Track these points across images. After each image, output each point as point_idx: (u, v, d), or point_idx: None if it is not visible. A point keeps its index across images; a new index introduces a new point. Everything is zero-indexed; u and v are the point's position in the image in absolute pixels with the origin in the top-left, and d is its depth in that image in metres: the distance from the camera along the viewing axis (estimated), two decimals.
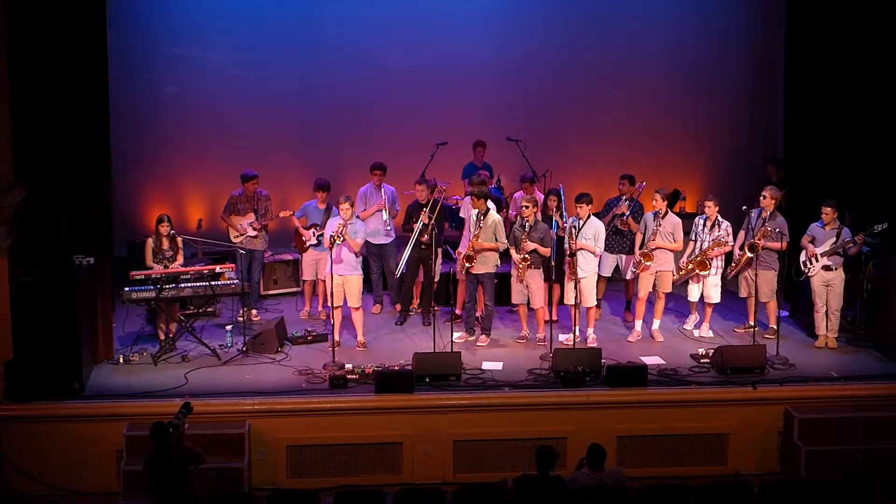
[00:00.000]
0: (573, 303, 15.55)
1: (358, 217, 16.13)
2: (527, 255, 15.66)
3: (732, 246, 16.22)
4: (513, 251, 15.88)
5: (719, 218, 16.13)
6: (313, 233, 16.95)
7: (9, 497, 13.55)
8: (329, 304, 15.92)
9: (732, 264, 16.34)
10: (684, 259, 16.28)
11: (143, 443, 13.50)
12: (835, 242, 15.71)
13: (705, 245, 16.12)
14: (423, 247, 16.56)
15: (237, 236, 16.97)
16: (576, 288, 15.49)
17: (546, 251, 15.67)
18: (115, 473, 13.72)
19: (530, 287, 15.84)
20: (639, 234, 16.38)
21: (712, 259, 16.12)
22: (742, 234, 16.25)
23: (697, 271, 16.15)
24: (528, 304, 16.02)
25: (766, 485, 12.48)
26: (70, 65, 14.47)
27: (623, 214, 16.65)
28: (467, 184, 17.85)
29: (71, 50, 14.47)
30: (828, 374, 15.11)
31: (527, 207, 15.74)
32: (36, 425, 13.98)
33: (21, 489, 13.80)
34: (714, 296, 16.31)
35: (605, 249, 16.18)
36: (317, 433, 14.19)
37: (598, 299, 16.49)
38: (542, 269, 15.76)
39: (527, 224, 15.71)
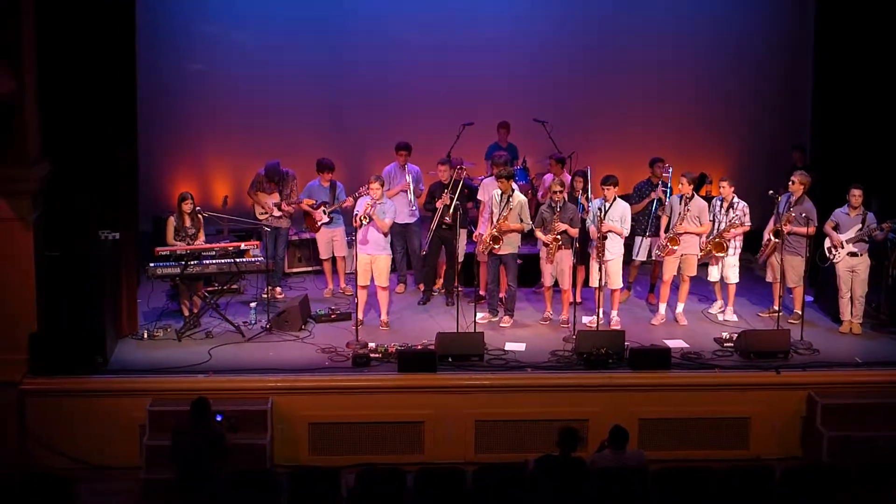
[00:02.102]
0: (598, 285, 15.55)
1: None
2: (558, 236, 15.64)
3: (749, 226, 16.17)
4: (539, 233, 15.87)
5: (735, 199, 16.10)
6: (323, 211, 16.96)
7: (32, 470, 13.59)
8: (350, 281, 15.90)
9: (762, 249, 16.30)
10: (703, 240, 16.23)
11: (166, 418, 13.63)
12: (860, 229, 15.65)
13: (722, 226, 16.09)
14: (444, 227, 16.56)
15: (262, 213, 17.00)
16: (600, 270, 15.48)
17: (575, 232, 15.68)
18: (139, 448, 13.77)
19: (560, 267, 15.82)
20: (664, 217, 16.35)
21: (728, 240, 16.09)
22: (772, 219, 16.20)
23: (714, 253, 16.13)
24: (556, 284, 16.00)
25: (787, 470, 12.45)
26: (98, 40, 14.49)
27: (661, 200, 16.65)
28: (490, 165, 17.84)
29: (99, 25, 14.49)
30: (852, 360, 15.07)
31: (557, 192, 15.71)
32: (59, 399, 14.06)
33: (44, 463, 13.86)
34: (732, 276, 16.28)
35: (642, 233, 16.23)
36: (339, 411, 14.24)
37: (629, 282, 16.54)
38: (571, 250, 15.74)
39: (557, 206, 15.69)
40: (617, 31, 20.04)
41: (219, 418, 12.44)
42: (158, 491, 13.17)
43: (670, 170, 16.96)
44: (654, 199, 16.77)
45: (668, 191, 16.79)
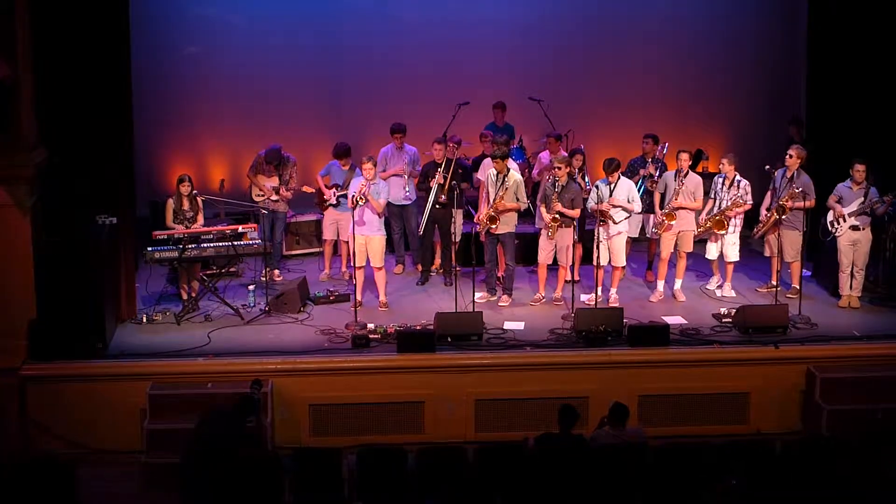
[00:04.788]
0: (605, 263, 15.65)
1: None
2: (556, 216, 15.64)
3: (751, 204, 16.18)
4: (543, 210, 15.87)
5: (738, 176, 16.11)
6: (333, 192, 16.94)
7: (33, 455, 13.61)
8: (352, 265, 15.93)
9: (759, 224, 16.31)
10: (703, 216, 16.23)
11: (166, 401, 13.69)
12: (862, 202, 15.65)
13: (724, 204, 16.09)
14: (437, 206, 16.56)
15: (259, 195, 16.98)
16: (597, 247, 15.49)
17: (575, 213, 15.65)
18: (139, 432, 13.78)
19: (560, 245, 15.82)
20: (657, 193, 16.35)
21: (730, 218, 16.09)
22: (769, 194, 16.20)
23: (714, 230, 16.13)
24: (556, 261, 16.00)
25: (787, 443, 12.51)
26: (93, 25, 14.49)
27: (652, 175, 16.62)
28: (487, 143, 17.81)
29: (94, 10, 14.49)
30: (850, 334, 15.09)
31: (559, 168, 15.69)
32: (59, 384, 14.06)
33: (45, 448, 13.86)
34: (732, 254, 16.28)
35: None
36: (339, 392, 14.25)
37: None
38: (572, 228, 15.72)
39: (558, 184, 15.67)
40: (612, 8, 20.00)
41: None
42: (159, 475, 13.19)
43: (666, 146, 16.97)
44: (643, 176, 16.75)
45: (662, 167, 16.79)
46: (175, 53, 19.32)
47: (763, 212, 16.24)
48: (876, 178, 16.00)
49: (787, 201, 15.72)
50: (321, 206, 17.28)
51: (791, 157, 15.94)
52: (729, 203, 16.04)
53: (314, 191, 17.34)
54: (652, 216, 16.66)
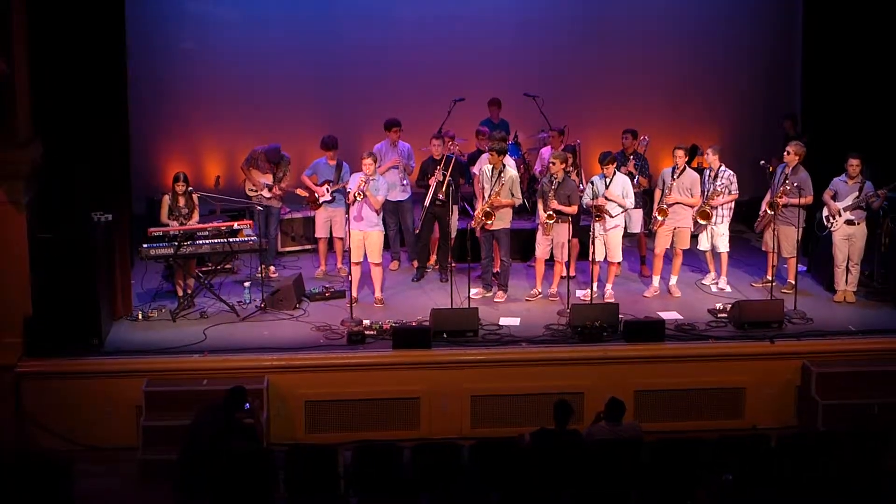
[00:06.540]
0: (600, 258, 15.69)
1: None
2: (552, 213, 15.63)
3: (738, 195, 16.16)
4: (540, 206, 15.87)
5: (722, 167, 16.10)
6: (327, 189, 16.93)
7: (29, 453, 13.61)
8: (347, 261, 15.91)
9: (759, 219, 16.31)
10: (693, 211, 16.23)
11: (162, 398, 13.68)
12: (857, 196, 15.66)
13: (708, 195, 16.10)
14: (437, 203, 16.55)
15: (252, 190, 16.96)
16: (593, 243, 15.49)
17: (572, 209, 15.63)
18: (135, 429, 13.78)
19: (557, 240, 15.82)
20: (657, 190, 16.32)
21: (714, 208, 16.08)
22: (770, 190, 16.19)
23: (699, 221, 16.12)
24: (552, 257, 16.00)
25: (782, 438, 12.51)
26: (88, 20, 14.47)
27: (633, 175, 16.58)
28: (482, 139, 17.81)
29: (89, 6, 14.48)
30: (845, 328, 15.10)
31: (554, 164, 15.69)
32: (55, 381, 14.05)
33: (41, 445, 13.86)
34: (722, 245, 16.28)
35: None
36: (335, 388, 14.25)
37: None
38: (568, 224, 15.70)
39: (555, 181, 15.67)
40: (607, 5, 20.02)
41: (247, 406, 12.56)
42: (155, 471, 13.21)
43: (646, 140, 16.96)
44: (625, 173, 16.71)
45: (642, 163, 16.77)
46: (171, 50, 19.34)
47: (764, 207, 16.24)
48: (871, 173, 16.01)
49: (779, 198, 15.73)
50: (313, 206, 17.23)
51: (789, 153, 15.94)
52: (711, 193, 16.04)
53: (308, 194, 17.26)
54: (633, 211, 16.63)
